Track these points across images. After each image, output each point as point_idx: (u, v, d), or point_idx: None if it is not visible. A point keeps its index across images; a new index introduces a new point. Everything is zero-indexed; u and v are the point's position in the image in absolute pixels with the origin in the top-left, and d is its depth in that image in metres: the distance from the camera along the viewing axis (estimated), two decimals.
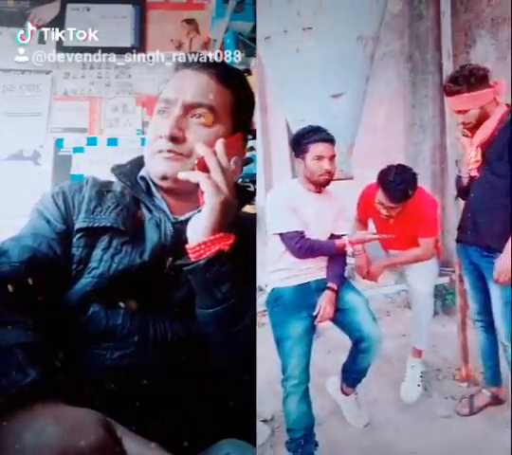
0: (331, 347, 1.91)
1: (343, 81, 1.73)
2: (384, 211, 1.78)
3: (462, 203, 1.81)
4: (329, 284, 1.61)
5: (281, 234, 1.60)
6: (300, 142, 1.63)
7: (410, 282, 1.93)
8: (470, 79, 1.57)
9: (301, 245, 1.56)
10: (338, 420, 1.68)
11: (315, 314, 1.57)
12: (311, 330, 1.58)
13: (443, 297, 2.19)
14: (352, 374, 1.66)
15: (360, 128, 1.88)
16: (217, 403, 1.01)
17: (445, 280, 1.99)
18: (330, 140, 1.62)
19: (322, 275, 1.63)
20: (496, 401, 1.83)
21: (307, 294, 1.60)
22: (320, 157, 1.59)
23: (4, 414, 0.66)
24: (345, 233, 1.69)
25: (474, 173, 1.67)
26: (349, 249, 1.61)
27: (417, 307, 1.91)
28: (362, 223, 1.95)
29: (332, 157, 1.61)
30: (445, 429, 1.65)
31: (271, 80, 1.89)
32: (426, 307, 1.88)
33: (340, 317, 1.60)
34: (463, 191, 1.76)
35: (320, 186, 1.64)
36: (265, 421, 1.69)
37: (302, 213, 1.61)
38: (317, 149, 1.59)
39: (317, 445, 1.52)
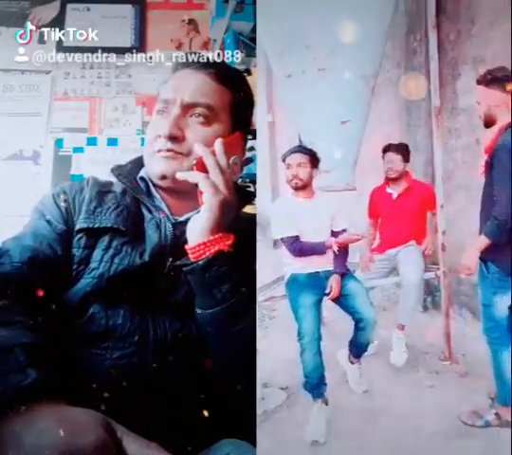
0: (334, 335, 2.19)
1: (349, 110, 2.14)
2: (392, 170, 2.16)
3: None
4: (336, 271, 1.94)
5: (281, 239, 1.93)
6: (283, 160, 1.93)
7: (401, 273, 2.22)
8: (487, 76, 1.69)
9: (293, 247, 1.90)
10: (342, 389, 2.04)
11: (327, 292, 1.91)
12: (319, 302, 1.94)
13: (432, 294, 2.53)
14: (355, 347, 1.99)
15: (363, 146, 2.22)
16: (217, 403, 1.01)
17: (431, 275, 2.30)
18: (300, 151, 1.90)
19: (330, 267, 1.95)
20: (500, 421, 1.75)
21: (317, 279, 1.93)
22: (289, 165, 1.89)
23: (4, 414, 0.66)
24: (344, 228, 1.97)
25: (483, 177, 1.70)
26: (335, 247, 1.87)
27: (405, 292, 2.19)
28: (374, 219, 2.32)
29: (299, 164, 1.88)
30: (429, 395, 1.99)
31: (289, 109, 2.33)
32: (412, 292, 2.16)
33: (343, 301, 1.93)
34: None
35: (297, 190, 1.91)
36: (282, 388, 2.06)
37: (298, 219, 1.91)
38: (288, 159, 1.90)
39: (325, 384, 1.85)
